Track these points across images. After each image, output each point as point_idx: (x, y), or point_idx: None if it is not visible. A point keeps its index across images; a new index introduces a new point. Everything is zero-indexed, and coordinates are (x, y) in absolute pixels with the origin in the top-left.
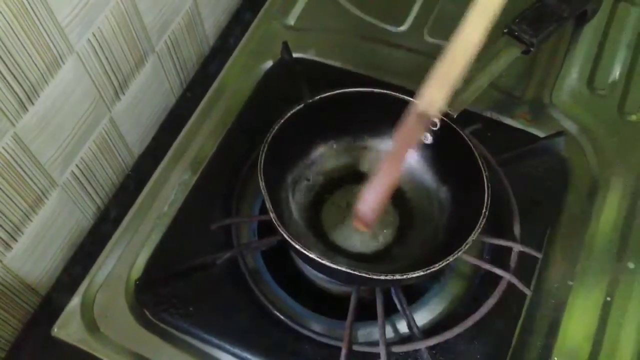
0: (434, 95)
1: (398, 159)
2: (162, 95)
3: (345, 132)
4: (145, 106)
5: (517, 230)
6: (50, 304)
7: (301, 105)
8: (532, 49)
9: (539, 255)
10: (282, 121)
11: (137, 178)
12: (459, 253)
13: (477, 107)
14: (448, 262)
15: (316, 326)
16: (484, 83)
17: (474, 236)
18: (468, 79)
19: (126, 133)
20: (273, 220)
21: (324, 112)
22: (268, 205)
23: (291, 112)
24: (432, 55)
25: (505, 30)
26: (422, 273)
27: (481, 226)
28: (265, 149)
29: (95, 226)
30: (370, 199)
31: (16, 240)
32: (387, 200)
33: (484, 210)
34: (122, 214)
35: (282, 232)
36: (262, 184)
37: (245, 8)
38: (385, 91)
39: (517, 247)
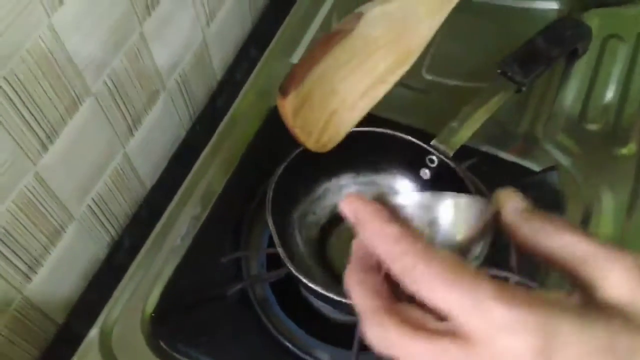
0: None
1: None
2: (172, 130)
3: (348, 168)
4: (157, 141)
5: (513, 261)
6: (67, 332)
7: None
8: (523, 88)
9: (534, 285)
10: (288, 160)
11: (150, 209)
12: None
13: (472, 142)
14: None
15: (323, 355)
16: (478, 123)
17: None
18: (462, 119)
19: (139, 167)
20: (281, 255)
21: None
22: (276, 241)
23: (296, 151)
24: (429, 91)
25: (498, 71)
26: None
27: None
28: (273, 187)
29: (109, 256)
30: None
31: (36, 272)
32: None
33: None
34: (136, 244)
35: (290, 267)
36: (270, 222)
37: (251, 44)
38: (383, 130)
39: (513, 278)
